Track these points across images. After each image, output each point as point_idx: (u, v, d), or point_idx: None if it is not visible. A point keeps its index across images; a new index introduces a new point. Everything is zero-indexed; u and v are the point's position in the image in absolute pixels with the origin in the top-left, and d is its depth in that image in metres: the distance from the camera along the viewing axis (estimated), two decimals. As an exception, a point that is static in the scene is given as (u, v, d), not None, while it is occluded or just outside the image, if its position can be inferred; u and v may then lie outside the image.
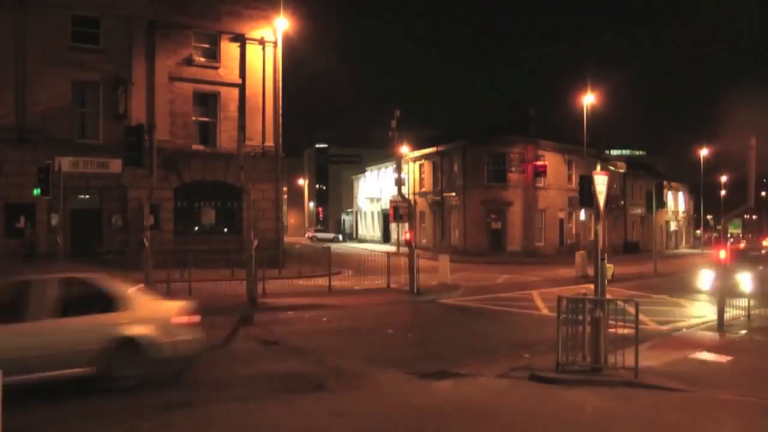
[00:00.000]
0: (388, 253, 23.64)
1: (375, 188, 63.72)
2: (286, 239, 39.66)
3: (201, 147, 28.25)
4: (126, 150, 16.97)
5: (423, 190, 49.96)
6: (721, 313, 13.48)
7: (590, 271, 19.83)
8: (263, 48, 29.28)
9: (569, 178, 46.19)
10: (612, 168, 44.34)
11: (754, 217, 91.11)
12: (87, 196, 26.17)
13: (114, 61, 26.15)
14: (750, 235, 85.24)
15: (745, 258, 24.25)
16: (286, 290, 19.87)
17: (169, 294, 15.71)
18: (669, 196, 63.16)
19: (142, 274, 16.66)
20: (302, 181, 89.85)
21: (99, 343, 7.91)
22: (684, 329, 14.02)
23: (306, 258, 30.72)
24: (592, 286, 10.64)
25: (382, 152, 49.06)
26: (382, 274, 21.62)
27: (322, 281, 21.47)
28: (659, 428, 7.32)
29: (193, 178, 27.88)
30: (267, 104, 29.36)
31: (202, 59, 28.30)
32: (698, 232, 77.02)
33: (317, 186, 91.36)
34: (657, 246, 34.95)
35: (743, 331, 13.31)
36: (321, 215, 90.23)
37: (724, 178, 67.50)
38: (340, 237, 70.55)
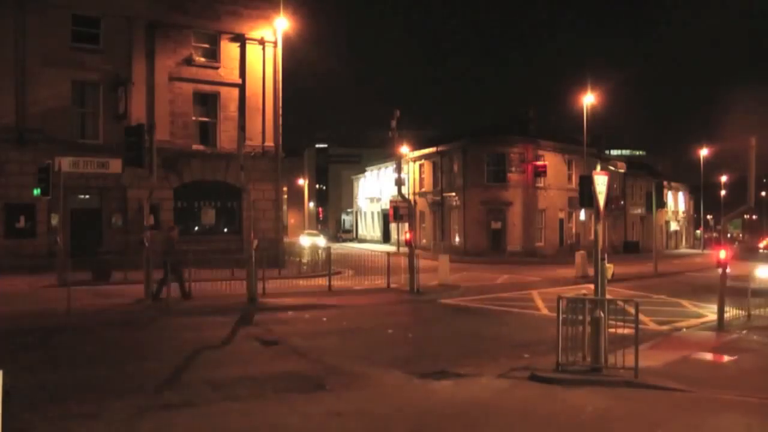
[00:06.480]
0: (388, 253, 23.62)
1: (375, 188, 63.66)
2: (286, 239, 39.67)
3: (201, 147, 28.24)
4: (126, 150, 17.00)
5: (423, 190, 49.93)
6: (721, 313, 13.49)
7: (590, 271, 19.85)
8: (263, 48, 29.29)
9: (569, 178, 46.18)
10: (612, 168, 44.28)
11: (754, 217, 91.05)
12: (87, 196, 26.14)
13: (114, 61, 26.15)
14: (749, 235, 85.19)
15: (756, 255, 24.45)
16: (286, 290, 19.84)
17: (168, 295, 15.75)
18: (669, 196, 63.16)
19: (142, 274, 16.76)
20: (302, 181, 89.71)
21: None
22: (684, 329, 14.03)
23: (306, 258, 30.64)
24: (592, 286, 10.65)
25: (382, 152, 49.05)
26: (382, 274, 21.62)
27: (322, 281, 21.47)
28: (659, 428, 7.31)
29: (193, 178, 27.87)
30: (267, 104, 29.36)
31: (202, 59, 28.30)
32: (698, 232, 77.00)
33: (317, 186, 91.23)
34: (657, 246, 34.95)
35: (743, 331, 13.31)
36: (321, 215, 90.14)
37: (724, 178, 67.49)
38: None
